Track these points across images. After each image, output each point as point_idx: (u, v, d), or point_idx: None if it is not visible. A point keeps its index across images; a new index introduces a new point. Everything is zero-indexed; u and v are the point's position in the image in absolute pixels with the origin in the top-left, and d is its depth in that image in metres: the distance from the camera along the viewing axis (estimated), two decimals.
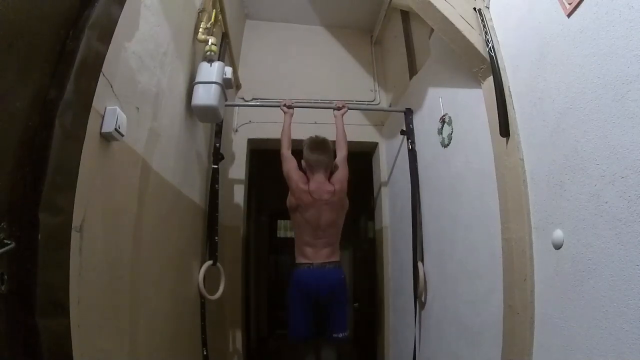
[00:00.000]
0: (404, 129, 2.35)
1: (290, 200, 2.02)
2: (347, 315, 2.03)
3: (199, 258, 2.00)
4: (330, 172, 2.06)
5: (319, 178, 2.01)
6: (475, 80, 1.53)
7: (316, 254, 1.96)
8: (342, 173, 2.05)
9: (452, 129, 1.79)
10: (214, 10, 1.94)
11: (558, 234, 1.04)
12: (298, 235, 2.01)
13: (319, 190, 1.97)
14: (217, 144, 2.19)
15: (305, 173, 2.05)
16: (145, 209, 1.24)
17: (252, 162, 3.06)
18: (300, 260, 1.99)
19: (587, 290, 0.92)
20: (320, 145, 2.06)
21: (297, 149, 2.11)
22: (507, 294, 1.26)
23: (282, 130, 2.13)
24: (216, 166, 2.15)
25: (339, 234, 2.04)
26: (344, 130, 2.16)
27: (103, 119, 0.94)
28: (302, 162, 2.06)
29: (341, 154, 2.11)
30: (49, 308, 0.69)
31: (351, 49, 3.28)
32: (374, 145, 3.06)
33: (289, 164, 2.03)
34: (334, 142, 2.15)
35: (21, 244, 0.66)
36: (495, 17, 1.43)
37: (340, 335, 1.96)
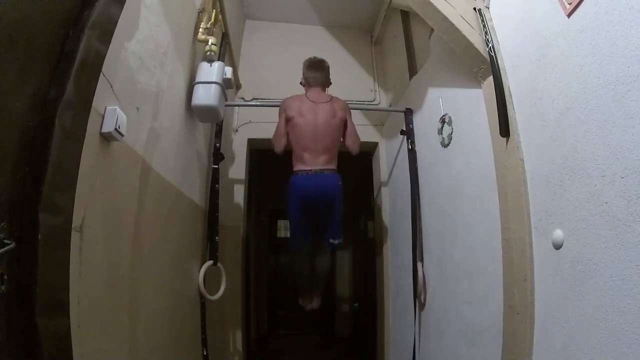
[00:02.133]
0: (404, 129, 2.35)
1: (288, 116, 2.07)
2: (341, 223, 2.13)
3: (199, 258, 2.00)
4: (326, 89, 2.23)
5: (316, 89, 2.16)
6: (475, 80, 1.53)
7: (314, 160, 2.02)
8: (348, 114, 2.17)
9: (452, 129, 1.79)
10: (214, 10, 1.95)
11: (558, 234, 1.04)
12: (296, 143, 2.06)
13: (316, 97, 2.12)
14: (217, 144, 2.19)
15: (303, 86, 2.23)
16: (145, 209, 1.24)
17: (252, 162, 3.06)
18: (298, 167, 2.04)
19: (587, 290, 0.92)
20: (318, 64, 2.21)
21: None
22: (507, 294, 1.26)
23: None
24: (216, 166, 2.15)
25: (336, 144, 2.10)
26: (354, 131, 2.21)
27: (103, 119, 0.94)
28: (302, 79, 2.22)
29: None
30: (49, 308, 0.69)
31: (351, 49, 3.28)
32: (374, 145, 3.06)
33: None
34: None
35: (21, 244, 0.66)
36: (495, 17, 1.43)
37: (336, 242, 2.10)
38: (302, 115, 2.05)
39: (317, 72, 2.19)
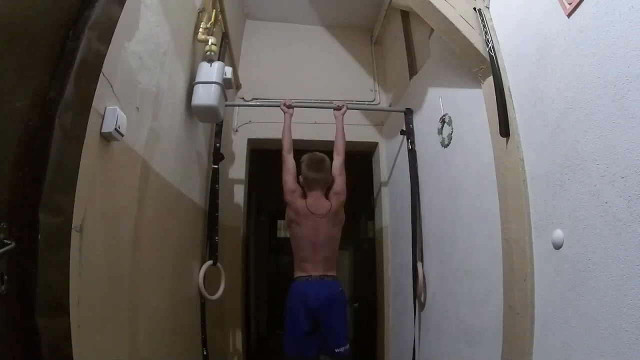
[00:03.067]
0: (404, 129, 2.35)
1: (288, 214, 2.03)
2: (347, 329, 1.97)
3: (199, 258, 2.00)
4: (328, 188, 2.08)
5: (316, 194, 2.03)
6: (475, 80, 1.53)
7: (315, 268, 1.96)
8: (339, 185, 2.05)
9: (452, 129, 1.79)
10: (214, 10, 1.94)
11: (558, 234, 1.04)
12: (296, 252, 2.01)
13: (316, 205, 1.99)
14: (217, 144, 2.19)
15: (302, 187, 2.06)
16: (145, 209, 1.24)
17: (252, 162, 3.06)
18: (298, 274, 1.98)
19: (587, 290, 0.92)
20: (319, 164, 2.06)
21: (296, 149, 2.12)
22: (507, 294, 1.26)
23: (283, 130, 2.13)
24: (216, 166, 2.15)
25: (336, 249, 2.04)
26: (343, 131, 2.17)
27: (103, 119, 0.94)
28: (300, 177, 2.07)
29: (339, 158, 2.10)
30: (49, 308, 0.69)
31: (351, 49, 3.28)
32: (374, 145, 3.06)
33: (289, 175, 2.03)
34: (332, 147, 2.15)
35: (21, 244, 0.66)
36: (495, 17, 1.43)
37: (342, 349, 1.88)
38: (300, 226, 1.97)
39: (317, 173, 2.04)
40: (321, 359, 1.95)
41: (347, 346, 1.90)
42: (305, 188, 2.06)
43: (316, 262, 1.96)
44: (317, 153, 2.11)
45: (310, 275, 1.94)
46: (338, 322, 1.91)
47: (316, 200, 2.01)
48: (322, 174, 2.05)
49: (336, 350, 1.88)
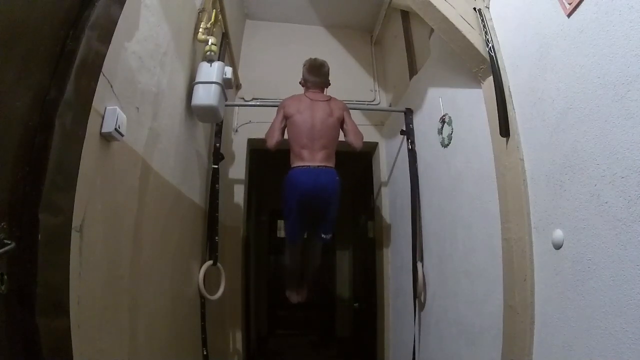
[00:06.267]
0: (404, 129, 2.35)
1: (285, 114, 2.10)
2: (335, 219, 2.15)
3: (199, 258, 2.00)
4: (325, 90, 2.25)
5: (315, 91, 2.19)
6: (475, 80, 1.53)
7: (312, 156, 2.03)
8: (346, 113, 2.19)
9: (452, 129, 1.79)
10: (214, 10, 1.94)
11: (558, 234, 1.04)
12: (294, 141, 2.07)
13: (314, 95, 2.14)
14: (217, 144, 2.19)
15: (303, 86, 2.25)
16: (145, 209, 1.24)
17: (252, 162, 3.06)
18: (296, 163, 2.04)
19: (587, 290, 0.92)
20: (319, 68, 2.23)
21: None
22: (507, 294, 1.26)
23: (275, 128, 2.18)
24: (216, 166, 2.15)
25: (334, 141, 2.11)
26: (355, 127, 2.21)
27: (103, 119, 0.94)
28: (301, 79, 2.23)
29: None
30: (49, 308, 0.69)
31: (351, 49, 3.28)
32: (374, 145, 3.06)
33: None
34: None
35: (21, 244, 0.65)
36: (495, 17, 1.43)
37: (327, 236, 2.16)
38: (300, 113, 2.07)
39: (316, 76, 2.20)
40: (309, 239, 2.23)
41: (331, 234, 2.18)
42: (304, 88, 2.22)
43: (314, 150, 2.03)
44: (318, 58, 2.26)
45: (309, 166, 2.01)
46: (329, 213, 2.09)
47: (315, 94, 2.16)
48: (320, 77, 2.21)
49: (322, 236, 2.15)
